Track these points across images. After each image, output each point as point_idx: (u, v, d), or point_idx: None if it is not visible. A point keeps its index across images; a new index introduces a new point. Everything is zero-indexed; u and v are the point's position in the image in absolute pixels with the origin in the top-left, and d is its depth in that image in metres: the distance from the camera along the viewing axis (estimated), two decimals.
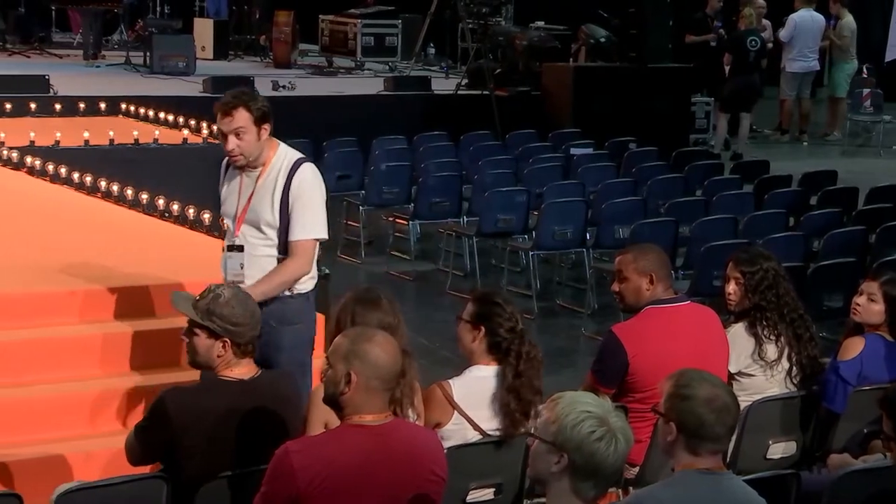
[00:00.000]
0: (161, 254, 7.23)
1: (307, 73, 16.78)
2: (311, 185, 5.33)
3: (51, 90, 12.93)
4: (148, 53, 16.01)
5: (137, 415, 4.40)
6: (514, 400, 4.55)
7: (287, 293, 5.30)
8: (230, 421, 4.23)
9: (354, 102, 14.75)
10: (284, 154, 5.36)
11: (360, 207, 10.94)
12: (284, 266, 5.29)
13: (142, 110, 12.04)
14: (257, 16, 18.64)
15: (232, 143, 5.25)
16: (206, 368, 4.41)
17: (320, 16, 18.70)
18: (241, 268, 5.31)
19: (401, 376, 3.91)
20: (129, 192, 8.35)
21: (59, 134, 10.33)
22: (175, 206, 7.97)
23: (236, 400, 4.27)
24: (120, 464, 4.62)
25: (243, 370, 4.37)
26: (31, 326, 6.08)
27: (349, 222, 11.11)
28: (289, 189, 5.29)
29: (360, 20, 18.12)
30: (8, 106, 11.64)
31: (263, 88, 14.56)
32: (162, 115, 11.76)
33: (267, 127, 5.28)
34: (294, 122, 13.41)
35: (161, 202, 8.09)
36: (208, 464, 4.18)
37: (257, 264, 5.30)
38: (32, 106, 11.75)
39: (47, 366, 5.90)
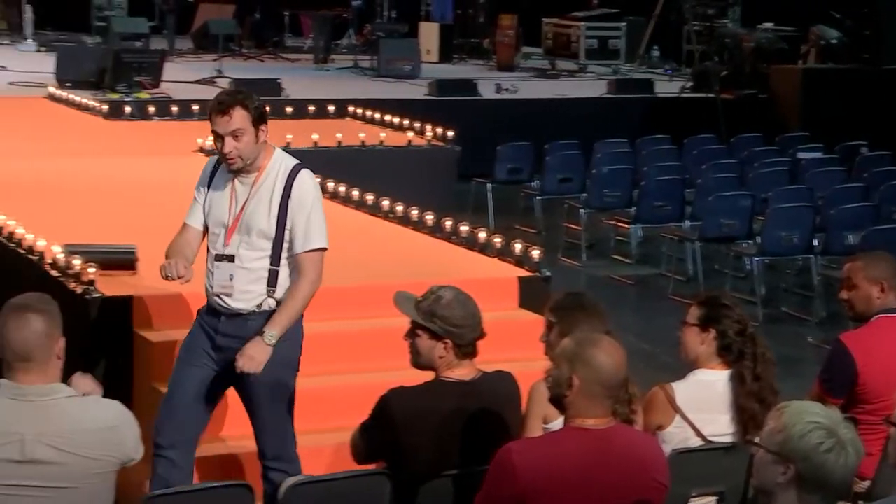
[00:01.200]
0: (384, 254, 7.36)
1: (530, 75, 16.84)
2: (314, 194, 5.02)
3: (282, 93, 13.33)
4: (375, 57, 16.34)
5: (361, 413, 4.48)
6: (757, 403, 4.47)
7: (274, 307, 4.97)
8: (453, 421, 4.27)
9: (577, 105, 14.73)
10: (280, 159, 5.03)
11: (581, 210, 10.91)
12: (297, 287, 4.96)
13: (368, 113, 12.29)
14: (482, 19, 18.82)
15: (229, 145, 4.87)
16: (428, 369, 4.46)
17: (544, 19, 18.76)
18: (231, 279, 4.96)
19: (626, 383, 3.88)
20: (356, 193, 8.54)
21: (290, 136, 10.63)
22: (399, 207, 8.10)
23: (458, 401, 4.31)
24: (345, 459, 4.72)
25: (465, 371, 4.40)
26: None
27: (570, 225, 11.10)
28: (288, 197, 4.95)
29: (583, 23, 18.11)
30: None
31: (487, 91, 14.71)
32: (388, 117, 11.99)
33: (265, 128, 4.94)
34: (516, 124, 13.52)
35: (386, 203, 8.23)
36: (431, 463, 4.23)
37: (249, 276, 4.97)
38: (265, 109, 12.12)
39: None
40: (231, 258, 4.97)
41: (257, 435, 5.13)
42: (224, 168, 5.02)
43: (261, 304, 4.99)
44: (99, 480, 3.80)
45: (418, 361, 4.46)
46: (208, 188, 5.08)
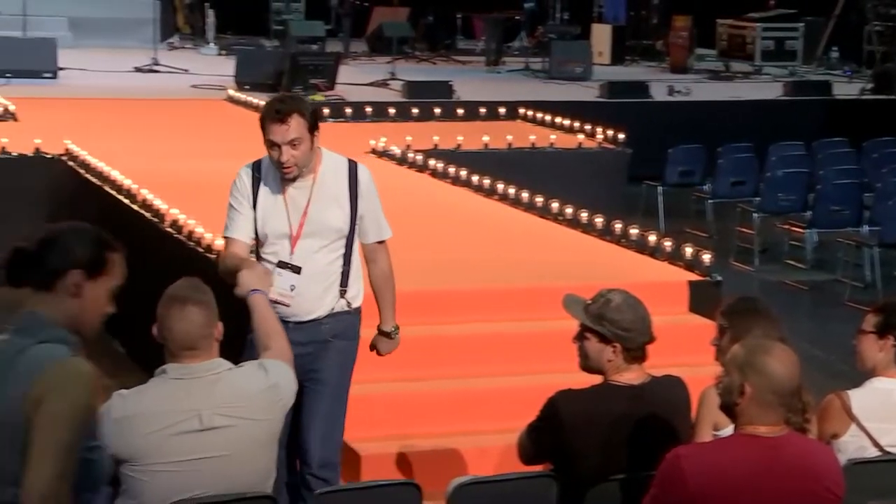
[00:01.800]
0: (553, 256, 7.36)
1: (703, 77, 16.63)
2: (374, 185, 5.02)
3: (454, 95, 13.43)
4: (546, 59, 16.34)
5: (529, 414, 4.48)
6: None
7: (346, 307, 4.96)
8: (621, 426, 4.24)
9: (751, 107, 14.50)
10: (330, 157, 4.98)
11: (755, 214, 10.74)
12: (388, 278, 5.05)
13: (539, 115, 12.30)
14: (655, 20, 18.65)
15: (287, 154, 4.76)
16: (597, 373, 4.43)
17: (718, 20, 18.49)
18: (291, 289, 4.83)
19: (799, 391, 3.80)
20: (525, 195, 8.55)
21: (460, 138, 10.71)
22: (569, 210, 8.08)
23: (627, 405, 4.27)
24: (512, 460, 4.73)
25: (634, 375, 4.35)
26: (428, 323, 6.33)
27: (742, 229, 10.92)
28: (356, 191, 4.92)
29: (759, 24, 17.77)
30: (415, 111, 12.18)
31: (658, 93, 14.57)
32: (558, 119, 11.98)
33: (318, 133, 4.84)
34: (688, 126, 13.36)
35: (555, 205, 8.23)
36: (598, 466, 4.21)
37: (325, 281, 4.92)
38: (437, 111, 12.25)
39: (446, 361, 6.12)
40: (297, 269, 4.88)
41: (308, 441, 4.96)
42: (269, 176, 4.92)
43: (334, 307, 4.96)
44: (272, 439, 3.92)
45: (587, 365, 4.43)
46: (255, 199, 4.92)
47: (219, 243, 6.74)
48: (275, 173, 4.90)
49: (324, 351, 4.95)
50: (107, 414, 3.85)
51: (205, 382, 3.83)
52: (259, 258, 4.95)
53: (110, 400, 3.91)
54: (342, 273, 4.94)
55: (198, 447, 3.80)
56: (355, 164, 5.01)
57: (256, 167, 4.97)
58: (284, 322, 4.81)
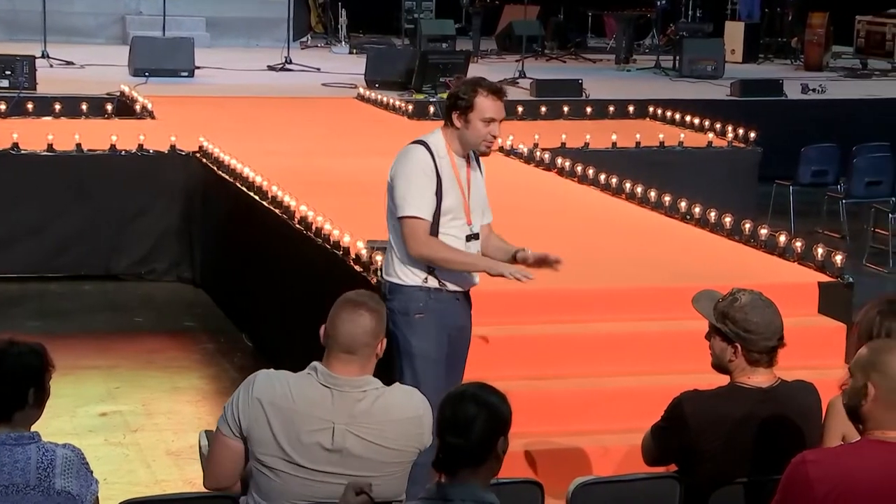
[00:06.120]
0: (681, 256, 7.29)
1: (839, 75, 16.32)
2: None
3: (583, 94, 13.38)
4: (678, 57, 16.19)
5: (654, 415, 4.46)
6: None
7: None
8: (747, 428, 4.19)
9: (889, 106, 14.17)
10: None
11: (890, 215, 10.50)
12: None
13: (669, 113, 12.20)
14: (790, 17, 18.36)
15: (497, 129, 5.13)
16: (724, 372, 4.38)
17: (857, 17, 18.13)
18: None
19: None
20: (653, 193, 8.49)
21: (588, 136, 10.67)
22: (697, 209, 8.01)
23: (753, 407, 4.22)
24: (635, 460, 4.71)
25: (762, 378, 4.28)
26: (554, 322, 6.32)
27: (877, 230, 10.69)
28: (479, 162, 5.29)
29: None
30: (543, 109, 12.16)
31: (792, 91, 14.34)
32: (688, 118, 11.86)
33: None
34: (822, 126, 13.11)
35: (683, 204, 8.15)
36: (723, 469, 4.17)
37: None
38: (565, 109, 12.21)
39: (571, 360, 6.11)
40: (477, 236, 5.21)
41: None
42: (439, 155, 5.10)
43: None
44: (398, 469, 3.92)
45: (715, 363, 4.38)
46: (438, 176, 5.09)
47: (346, 240, 6.82)
48: (442, 151, 5.09)
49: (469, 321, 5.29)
50: (248, 388, 3.86)
51: (348, 397, 3.84)
52: (438, 235, 5.13)
53: (256, 374, 3.91)
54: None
55: (325, 461, 3.82)
56: None
57: (426, 146, 5.13)
58: (453, 301, 5.17)
